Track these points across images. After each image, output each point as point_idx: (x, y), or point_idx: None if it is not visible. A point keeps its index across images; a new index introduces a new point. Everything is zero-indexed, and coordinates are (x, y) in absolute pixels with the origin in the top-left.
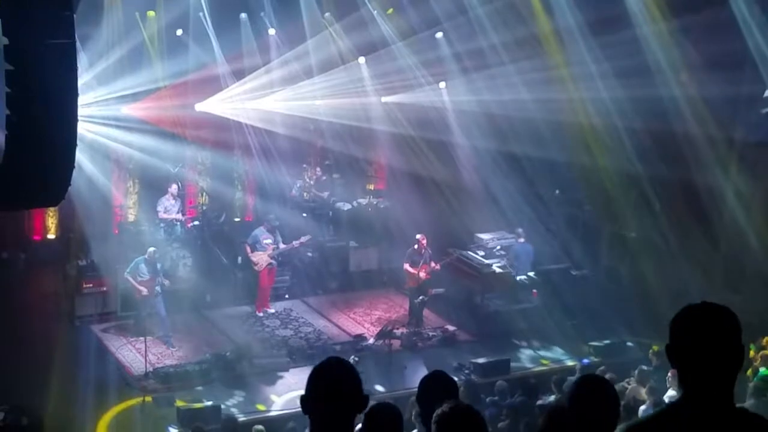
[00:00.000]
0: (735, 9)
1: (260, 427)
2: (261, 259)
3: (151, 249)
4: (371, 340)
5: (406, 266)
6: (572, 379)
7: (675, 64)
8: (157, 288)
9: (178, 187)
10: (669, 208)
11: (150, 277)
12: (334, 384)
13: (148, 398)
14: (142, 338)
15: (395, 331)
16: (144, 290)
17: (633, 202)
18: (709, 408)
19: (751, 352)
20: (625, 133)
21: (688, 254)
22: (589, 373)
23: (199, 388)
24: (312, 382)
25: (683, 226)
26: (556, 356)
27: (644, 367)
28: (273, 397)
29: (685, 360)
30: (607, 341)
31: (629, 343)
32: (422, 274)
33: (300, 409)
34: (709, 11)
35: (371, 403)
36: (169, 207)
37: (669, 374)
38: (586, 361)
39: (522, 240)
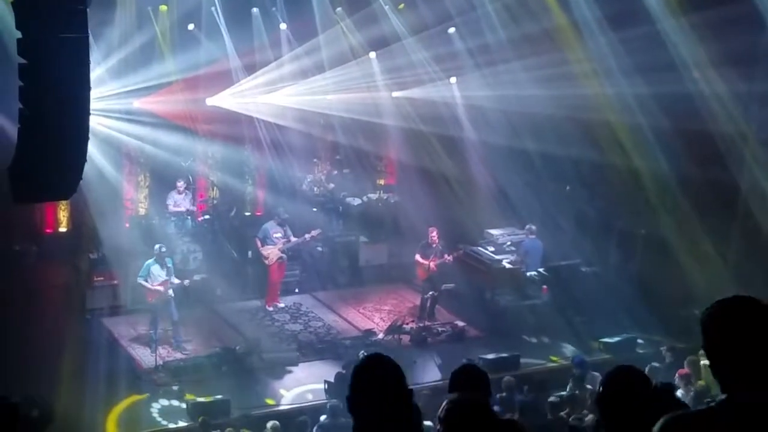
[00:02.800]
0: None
1: (276, 422)
2: (271, 253)
3: (157, 246)
4: (381, 335)
5: (417, 257)
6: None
7: (690, 59)
8: (170, 291)
9: (187, 182)
10: (680, 205)
11: (165, 279)
12: (377, 381)
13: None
14: (152, 331)
15: (405, 326)
16: (161, 288)
17: (644, 199)
18: (755, 404)
19: None
20: (637, 129)
21: (698, 251)
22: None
23: (209, 382)
24: (355, 381)
25: (695, 223)
26: (566, 352)
27: (656, 364)
28: (282, 392)
29: (724, 356)
30: (617, 338)
31: (639, 340)
32: (432, 265)
33: (309, 402)
34: (724, 6)
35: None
36: (179, 201)
37: (677, 374)
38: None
39: (533, 236)
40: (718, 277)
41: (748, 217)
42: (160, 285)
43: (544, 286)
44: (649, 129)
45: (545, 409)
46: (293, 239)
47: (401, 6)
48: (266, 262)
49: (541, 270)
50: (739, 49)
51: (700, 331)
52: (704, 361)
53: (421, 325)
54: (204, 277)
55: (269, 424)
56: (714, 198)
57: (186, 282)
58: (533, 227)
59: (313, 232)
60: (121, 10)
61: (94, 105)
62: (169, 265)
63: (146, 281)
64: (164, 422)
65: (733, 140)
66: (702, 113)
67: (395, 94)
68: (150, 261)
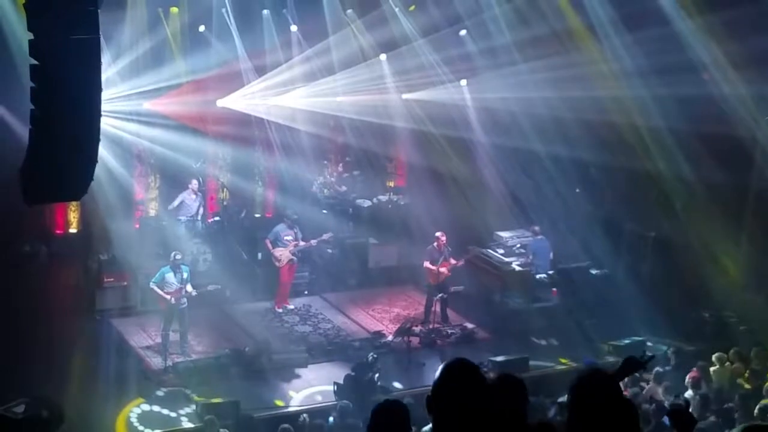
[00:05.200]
0: None
1: (288, 425)
2: (283, 255)
3: (173, 253)
4: (390, 337)
5: (426, 264)
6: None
7: (705, 60)
8: (183, 299)
9: (198, 183)
10: (691, 207)
11: (178, 286)
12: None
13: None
14: (163, 333)
15: (414, 328)
16: (171, 298)
17: (654, 201)
18: None
19: None
20: (647, 130)
21: (710, 253)
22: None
23: (218, 383)
24: (441, 380)
25: (705, 224)
26: (575, 355)
27: (659, 369)
28: (291, 393)
29: None
30: (626, 340)
31: (649, 343)
32: (442, 270)
33: (318, 404)
34: (740, 6)
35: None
36: (189, 202)
37: (688, 376)
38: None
39: (539, 237)
40: (730, 279)
41: (760, 219)
42: (172, 293)
43: (554, 289)
44: (661, 131)
45: (554, 411)
46: (303, 242)
47: (412, 8)
48: (277, 264)
49: (550, 272)
50: (754, 50)
51: (709, 334)
52: (714, 367)
53: (430, 327)
54: (217, 288)
55: (280, 429)
56: (726, 200)
57: (193, 292)
58: (537, 228)
59: (325, 236)
60: (132, 12)
61: (105, 106)
62: (185, 274)
63: (159, 288)
64: (173, 424)
65: (745, 141)
66: (714, 114)
67: (405, 96)
68: (165, 267)
